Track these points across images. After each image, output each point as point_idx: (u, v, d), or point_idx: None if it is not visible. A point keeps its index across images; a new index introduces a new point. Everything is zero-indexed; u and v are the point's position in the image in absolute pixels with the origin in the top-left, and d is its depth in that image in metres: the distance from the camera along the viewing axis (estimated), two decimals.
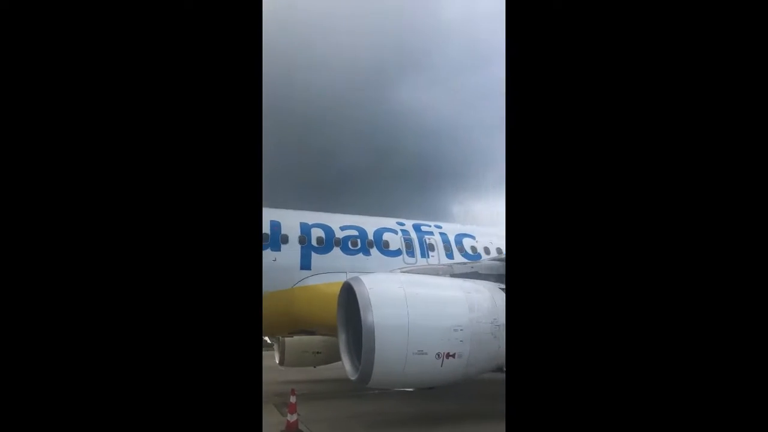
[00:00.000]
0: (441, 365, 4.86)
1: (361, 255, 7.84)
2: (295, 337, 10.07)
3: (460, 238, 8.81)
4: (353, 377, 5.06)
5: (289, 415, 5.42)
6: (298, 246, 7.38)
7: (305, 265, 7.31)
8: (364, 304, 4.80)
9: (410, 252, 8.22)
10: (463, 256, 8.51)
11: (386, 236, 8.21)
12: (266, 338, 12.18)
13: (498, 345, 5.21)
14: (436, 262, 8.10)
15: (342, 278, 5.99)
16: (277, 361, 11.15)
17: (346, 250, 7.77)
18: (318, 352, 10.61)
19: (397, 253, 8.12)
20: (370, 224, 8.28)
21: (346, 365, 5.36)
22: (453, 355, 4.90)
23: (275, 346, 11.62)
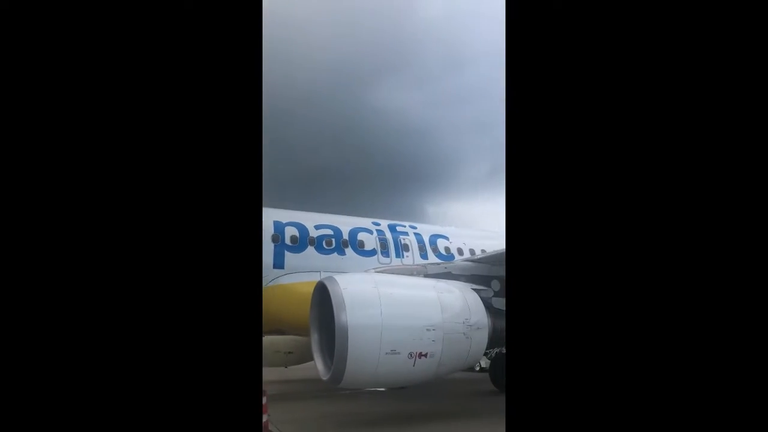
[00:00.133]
0: (413, 365, 4.90)
1: (335, 255, 7.81)
2: (267, 337, 9.93)
3: (434, 238, 8.91)
4: (325, 377, 5.04)
5: None
6: (272, 245, 7.28)
7: (278, 264, 7.22)
8: (337, 303, 4.78)
9: (385, 252, 8.24)
10: (437, 256, 8.61)
11: (361, 236, 8.21)
12: None
13: (469, 345, 5.30)
14: (411, 263, 8.16)
15: (316, 278, 5.95)
16: None
17: (320, 249, 7.72)
18: (290, 352, 10.50)
19: (372, 253, 8.13)
20: (345, 224, 8.25)
21: (318, 365, 5.32)
22: (425, 355, 4.95)
23: None
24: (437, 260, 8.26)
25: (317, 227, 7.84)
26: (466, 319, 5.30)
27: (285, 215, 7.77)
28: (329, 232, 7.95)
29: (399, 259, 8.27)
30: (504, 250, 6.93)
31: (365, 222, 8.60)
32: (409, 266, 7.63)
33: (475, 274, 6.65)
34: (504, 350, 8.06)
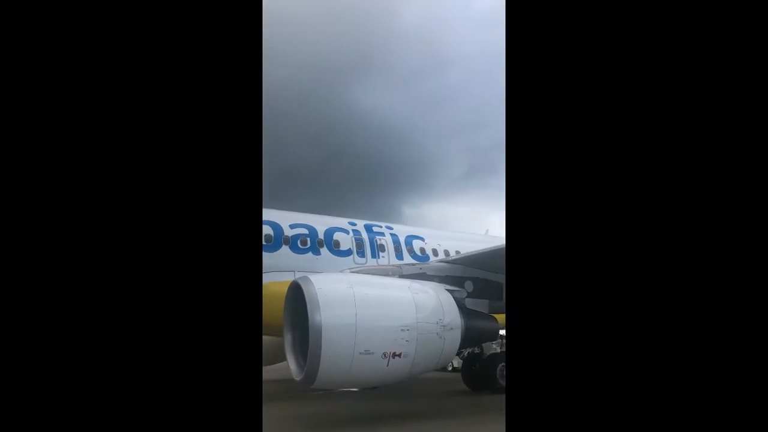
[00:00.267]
0: (387, 365, 4.91)
1: (310, 254, 7.75)
2: None
3: (410, 239, 8.95)
4: (298, 378, 4.99)
5: None
6: None
7: None
8: (312, 303, 4.75)
9: (361, 252, 8.23)
10: (412, 257, 8.66)
11: (337, 236, 8.17)
12: None
13: (442, 345, 5.36)
14: (386, 263, 8.18)
15: (290, 277, 5.88)
16: None
17: (295, 249, 7.64)
18: None
19: (348, 253, 8.11)
20: (320, 223, 8.19)
21: (291, 366, 5.26)
22: (399, 355, 4.97)
23: None
24: (413, 261, 8.30)
25: (292, 226, 7.75)
26: (440, 320, 5.35)
27: None
28: (304, 231, 7.87)
29: (375, 259, 8.27)
30: (478, 252, 7.07)
31: (341, 222, 8.57)
32: (384, 267, 7.64)
33: (450, 275, 6.73)
34: (476, 350, 8.19)
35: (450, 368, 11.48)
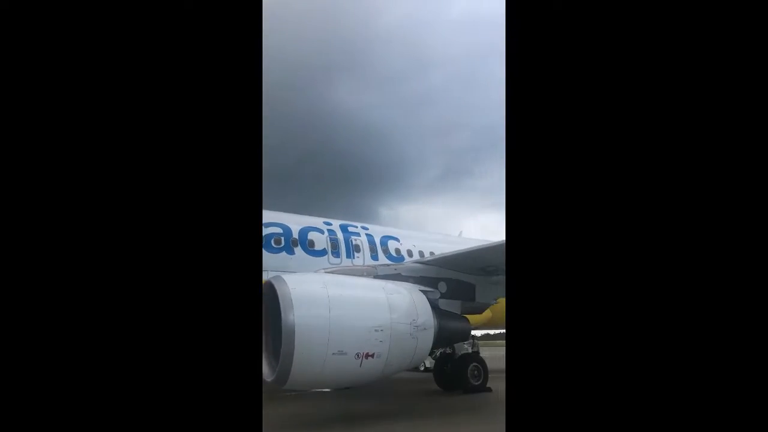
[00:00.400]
0: (360, 365, 4.91)
1: (284, 254, 7.66)
2: None
3: (385, 240, 8.98)
4: (270, 378, 4.92)
5: None
6: None
7: None
8: (285, 303, 4.70)
9: (336, 252, 8.20)
10: (387, 257, 8.69)
11: (312, 235, 8.11)
12: None
13: (415, 345, 5.40)
14: (361, 263, 8.17)
15: (263, 277, 5.80)
16: None
17: (268, 248, 7.53)
18: None
19: (323, 253, 8.06)
20: (295, 222, 8.11)
21: (262, 366, 5.19)
22: (372, 355, 4.98)
23: None
24: (388, 261, 8.33)
25: (266, 225, 7.64)
26: (413, 320, 5.39)
27: None
28: (278, 230, 7.78)
29: (350, 259, 8.26)
30: (452, 253, 7.16)
31: (316, 221, 8.51)
32: (359, 267, 7.64)
33: (424, 275, 6.79)
34: (449, 350, 8.29)
35: (422, 368, 11.57)
